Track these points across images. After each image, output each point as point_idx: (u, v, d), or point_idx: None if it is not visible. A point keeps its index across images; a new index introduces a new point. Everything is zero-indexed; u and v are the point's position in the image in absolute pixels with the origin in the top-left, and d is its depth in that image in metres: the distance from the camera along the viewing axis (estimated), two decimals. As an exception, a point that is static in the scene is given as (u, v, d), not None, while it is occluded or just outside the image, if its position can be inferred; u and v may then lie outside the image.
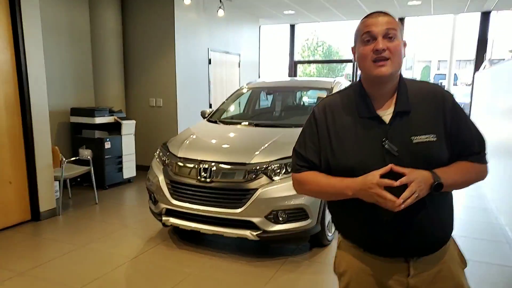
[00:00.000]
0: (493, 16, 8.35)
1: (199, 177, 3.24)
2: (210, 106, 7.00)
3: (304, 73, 22.90)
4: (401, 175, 1.16)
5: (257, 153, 3.26)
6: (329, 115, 1.34)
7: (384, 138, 1.25)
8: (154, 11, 6.08)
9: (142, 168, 6.15)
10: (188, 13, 6.27)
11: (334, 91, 4.30)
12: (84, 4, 5.78)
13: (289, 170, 3.18)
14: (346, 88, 1.42)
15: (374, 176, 1.18)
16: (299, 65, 10.35)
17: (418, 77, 30.23)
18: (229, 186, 3.18)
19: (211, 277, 3.04)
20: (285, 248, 3.52)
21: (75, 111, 5.42)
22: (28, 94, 3.96)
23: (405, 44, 1.30)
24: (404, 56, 1.28)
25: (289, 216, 3.12)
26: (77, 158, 4.85)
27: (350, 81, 7.09)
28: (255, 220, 3.09)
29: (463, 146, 1.29)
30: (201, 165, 3.26)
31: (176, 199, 3.34)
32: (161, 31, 6.07)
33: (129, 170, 5.71)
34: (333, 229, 3.73)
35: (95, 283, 2.91)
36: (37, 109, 4.06)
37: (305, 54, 25.30)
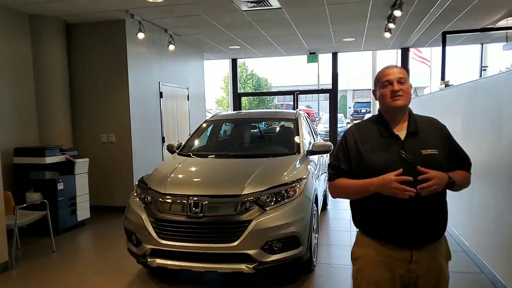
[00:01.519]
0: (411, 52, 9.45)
1: (189, 213, 3.13)
2: (163, 140, 6.83)
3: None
4: (413, 180, 1.57)
5: (247, 184, 3.26)
6: (357, 135, 1.79)
7: (401, 150, 1.68)
8: (104, 44, 5.88)
9: (97, 209, 5.76)
10: (139, 47, 6.17)
11: (299, 120, 4.54)
12: (25, 37, 5.39)
13: (279, 200, 3.23)
14: (368, 118, 1.90)
15: (390, 175, 1.59)
16: (242, 99, 10.60)
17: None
18: (223, 220, 3.12)
19: (210, 317, 2.91)
20: (273, 278, 3.51)
21: (20, 151, 4.94)
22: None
23: (411, 86, 1.78)
24: (411, 94, 1.78)
25: (283, 245, 3.14)
26: (29, 203, 4.37)
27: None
28: (251, 252, 3.05)
29: (458, 161, 1.78)
30: (190, 200, 3.17)
31: (163, 238, 3.18)
32: (113, 65, 5.88)
33: (83, 211, 5.29)
34: (316, 254, 3.83)
35: None
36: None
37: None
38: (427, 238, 1.70)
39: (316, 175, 4.13)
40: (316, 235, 3.90)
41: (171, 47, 6.65)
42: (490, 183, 3.35)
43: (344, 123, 19.78)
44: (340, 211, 5.92)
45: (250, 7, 5.50)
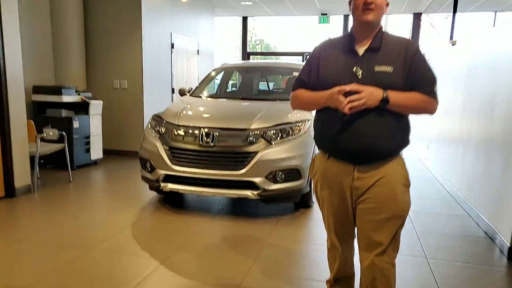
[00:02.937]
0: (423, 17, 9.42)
1: (201, 142, 3.38)
2: (173, 91, 7.02)
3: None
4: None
5: (255, 120, 3.49)
6: (323, 50, 1.78)
7: (354, 66, 1.65)
8: (120, -9, 5.98)
9: (108, 153, 6.03)
10: (153, -5, 6.26)
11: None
12: (45, -21, 5.52)
13: (284, 136, 3.46)
14: (340, 35, 1.86)
15: (341, 87, 1.58)
16: (251, 57, 10.68)
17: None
18: (232, 150, 3.37)
19: (219, 233, 3.21)
20: (274, 210, 3.79)
21: (38, 89, 5.17)
22: (4, 67, 3.79)
23: (387, 4, 1.70)
24: (385, 12, 1.68)
25: (286, 176, 3.40)
26: (48, 137, 4.63)
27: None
28: (256, 180, 3.32)
29: (416, 81, 1.64)
30: (202, 131, 3.41)
31: (176, 165, 3.45)
32: (128, 13, 5.99)
33: (96, 151, 5.57)
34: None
35: (105, 244, 2.92)
36: (13, 82, 3.89)
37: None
38: (367, 156, 1.67)
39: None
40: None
41: (184, -2, 6.73)
42: (482, 140, 3.56)
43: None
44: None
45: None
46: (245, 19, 9.92)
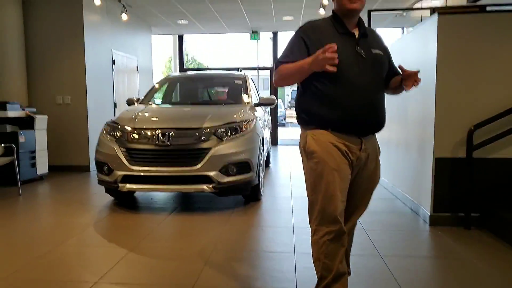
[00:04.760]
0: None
1: (157, 142, 3.68)
2: (115, 105, 7.14)
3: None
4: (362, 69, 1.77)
5: (206, 120, 3.87)
6: (313, 31, 1.83)
7: (356, 46, 1.81)
8: (60, 9, 6.11)
9: (54, 169, 5.98)
10: (94, 14, 6.44)
11: (247, 80, 5.21)
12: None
13: (233, 133, 3.88)
14: (320, 19, 1.92)
15: (328, 45, 1.59)
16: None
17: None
18: (187, 147, 3.71)
19: (178, 224, 3.50)
20: (226, 204, 4.16)
21: (-19, 105, 5.07)
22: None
23: None
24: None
25: (237, 169, 3.80)
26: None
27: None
28: (211, 173, 3.68)
29: (391, 66, 1.97)
30: (158, 132, 3.71)
31: (134, 165, 3.70)
32: (69, 29, 6.12)
33: (42, 166, 5.53)
34: (263, 188, 4.53)
35: (73, 239, 3.08)
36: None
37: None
38: (375, 127, 1.86)
39: (263, 122, 4.81)
40: (263, 172, 4.60)
41: (124, 16, 6.96)
42: (401, 141, 4.31)
43: (282, 109, 21.06)
44: (281, 169, 6.72)
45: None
46: (180, 38, 10.28)
